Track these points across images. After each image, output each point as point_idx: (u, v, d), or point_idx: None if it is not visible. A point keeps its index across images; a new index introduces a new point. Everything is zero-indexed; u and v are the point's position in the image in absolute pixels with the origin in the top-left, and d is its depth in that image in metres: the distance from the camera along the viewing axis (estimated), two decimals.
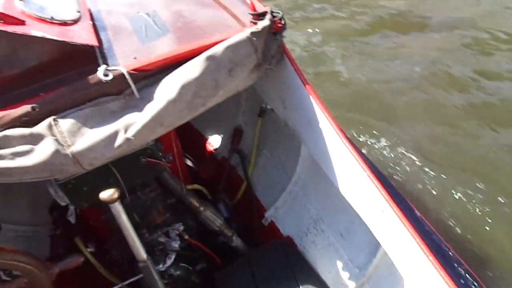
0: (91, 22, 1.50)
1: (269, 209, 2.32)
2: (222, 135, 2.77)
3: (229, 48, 1.42)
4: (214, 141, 2.82)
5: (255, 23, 1.49)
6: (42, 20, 1.36)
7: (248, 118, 2.55)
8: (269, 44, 1.50)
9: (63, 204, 1.71)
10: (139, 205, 1.85)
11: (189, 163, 2.53)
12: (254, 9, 1.52)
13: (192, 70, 1.38)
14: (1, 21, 1.24)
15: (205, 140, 2.85)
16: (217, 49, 1.41)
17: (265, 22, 1.46)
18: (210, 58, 1.40)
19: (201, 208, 2.11)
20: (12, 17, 1.27)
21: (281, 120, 2.13)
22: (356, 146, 1.55)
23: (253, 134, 2.45)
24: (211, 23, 1.58)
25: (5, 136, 1.25)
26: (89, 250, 2.10)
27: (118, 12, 1.71)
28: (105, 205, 1.52)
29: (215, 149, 2.77)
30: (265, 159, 2.44)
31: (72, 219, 1.81)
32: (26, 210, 2.24)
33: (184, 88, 1.37)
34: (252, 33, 1.43)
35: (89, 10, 1.62)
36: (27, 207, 2.21)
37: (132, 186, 1.79)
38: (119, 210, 1.47)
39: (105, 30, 1.56)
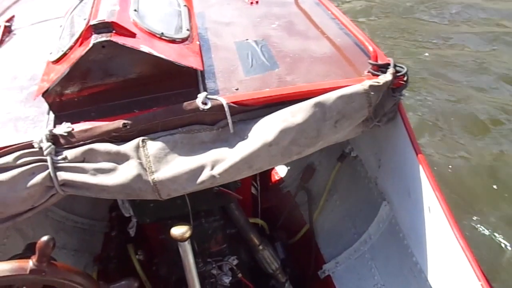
0: (199, 43, 1.41)
1: (328, 261, 2.12)
2: (291, 168, 2.62)
3: (342, 98, 1.26)
4: (281, 172, 2.68)
5: (375, 75, 1.33)
6: (152, 35, 1.29)
7: (324, 158, 2.38)
8: (385, 101, 1.33)
9: (126, 215, 1.65)
10: (200, 232, 1.75)
11: (253, 190, 2.40)
12: (376, 59, 1.36)
13: (296, 115, 1.25)
14: (113, 31, 1.18)
15: (272, 167, 2.72)
16: (328, 97, 1.26)
17: (387, 76, 1.30)
18: (318, 106, 1.25)
19: (260, 247, 1.97)
20: (125, 28, 1.20)
21: (363, 171, 1.93)
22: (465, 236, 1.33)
23: (326, 176, 2.27)
24: (324, 65, 1.43)
25: (92, 150, 1.18)
26: (138, 257, 2.05)
27: (225, 34, 1.62)
28: (168, 227, 1.44)
29: (281, 181, 2.62)
30: (335, 207, 2.25)
31: (132, 232, 1.74)
32: (86, 203, 2.23)
33: (283, 132, 1.23)
34: (371, 87, 1.27)
35: (197, 28, 1.55)
36: (88, 200, 2.19)
37: (198, 211, 1.70)
38: (186, 250, 1.37)
39: (210, 53, 1.48)
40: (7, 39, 1.85)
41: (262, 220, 2.24)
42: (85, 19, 1.34)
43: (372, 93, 1.26)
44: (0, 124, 1.29)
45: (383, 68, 1.34)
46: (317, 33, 1.66)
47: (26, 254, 1.18)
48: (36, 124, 1.26)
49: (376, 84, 1.27)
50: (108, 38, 1.16)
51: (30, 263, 1.06)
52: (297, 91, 1.28)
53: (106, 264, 2.08)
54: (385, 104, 1.34)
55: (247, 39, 1.57)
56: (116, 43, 1.16)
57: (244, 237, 1.96)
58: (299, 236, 2.29)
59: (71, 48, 1.28)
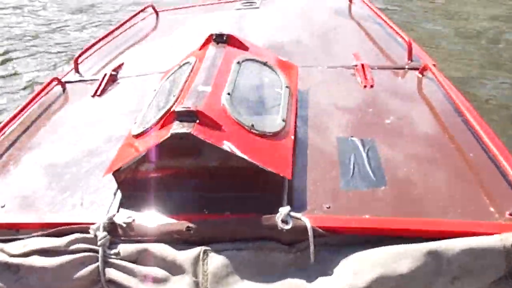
0: (293, 138, 1.20)
1: None
2: None
3: (468, 251, 0.93)
4: None
5: None
6: (241, 126, 1.12)
7: None
8: None
9: None
10: None
11: None
12: None
13: (399, 260, 0.95)
14: (197, 121, 1.03)
15: None
16: (448, 246, 0.94)
17: None
18: (432, 254, 0.94)
19: None
20: (210, 118, 1.05)
21: None
22: None
23: None
24: (447, 194, 1.10)
25: (147, 251, 1.02)
26: None
27: (327, 125, 1.38)
28: None
29: None
30: None
31: None
32: None
33: (378, 281, 0.94)
34: None
35: (296, 117, 1.34)
36: None
37: None
38: None
39: (306, 150, 1.25)
40: (110, 88, 1.86)
41: None
42: (174, 96, 1.23)
43: None
44: (68, 191, 1.22)
45: None
46: (445, 142, 1.32)
47: None
48: (101, 202, 1.16)
49: None
50: (188, 131, 1.01)
51: None
52: (405, 228, 0.99)
53: None
54: None
55: (352, 136, 1.31)
56: (196, 137, 1.01)
57: None
58: None
59: (153, 125, 1.17)
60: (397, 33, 1.93)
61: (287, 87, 1.39)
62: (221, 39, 1.45)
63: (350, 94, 1.58)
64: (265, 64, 1.45)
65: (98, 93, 1.81)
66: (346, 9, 2.51)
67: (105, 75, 1.90)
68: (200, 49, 1.51)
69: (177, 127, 1.03)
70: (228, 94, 1.20)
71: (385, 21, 2.10)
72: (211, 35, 1.47)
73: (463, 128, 1.36)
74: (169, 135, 1.02)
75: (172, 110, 1.08)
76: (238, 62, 1.36)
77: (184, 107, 1.05)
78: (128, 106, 1.66)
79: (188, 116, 1.04)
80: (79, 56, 2.16)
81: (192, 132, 1.01)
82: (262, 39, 2.12)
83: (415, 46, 1.83)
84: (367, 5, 2.37)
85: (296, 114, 1.38)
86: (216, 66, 1.31)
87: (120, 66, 2.04)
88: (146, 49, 2.28)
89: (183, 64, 1.47)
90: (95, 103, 1.77)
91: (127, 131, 1.28)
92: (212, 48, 1.43)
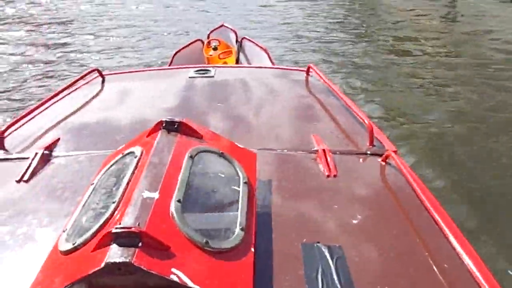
0: (253, 250, 1.04)
1: None
2: None
3: None
4: None
5: None
6: (193, 245, 0.94)
7: None
8: None
9: None
10: None
11: None
12: None
13: None
14: (139, 245, 0.84)
15: None
16: None
17: None
18: None
19: None
20: (157, 240, 0.86)
21: None
22: None
23: None
24: None
25: None
26: None
27: (291, 227, 1.23)
28: None
29: None
30: None
31: None
32: None
33: None
34: None
35: (256, 220, 1.17)
36: None
37: None
38: None
39: (267, 265, 1.08)
40: (40, 171, 1.61)
41: None
42: (114, 203, 1.03)
43: None
44: None
45: None
46: (412, 240, 1.23)
47: None
48: None
49: None
50: (127, 260, 0.81)
51: None
52: None
53: None
54: None
55: (318, 242, 1.17)
56: (137, 267, 0.81)
57: None
58: None
59: (86, 243, 0.95)
60: (357, 114, 1.88)
61: (245, 182, 1.24)
62: (172, 126, 1.29)
63: (313, 185, 1.47)
64: (221, 155, 1.30)
65: (26, 177, 1.55)
66: (303, 82, 2.47)
67: (36, 154, 1.66)
68: (148, 135, 1.34)
69: (114, 255, 0.83)
70: (179, 201, 1.02)
71: (343, 99, 2.07)
72: (161, 121, 1.30)
73: (428, 222, 1.30)
74: (103, 265, 0.81)
75: (108, 229, 0.88)
76: (191, 156, 1.20)
77: (124, 228, 0.86)
78: (60, 198, 1.42)
79: (128, 238, 0.85)
80: (7, 128, 1.89)
81: (133, 262, 0.81)
82: (217, 114, 2.00)
83: (375, 129, 1.79)
84: (324, 80, 2.35)
85: (256, 215, 1.22)
86: (165, 162, 1.14)
87: (56, 142, 1.80)
88: (89, 121, 2.05)
89: (127, 154, 1.28)
90: (20, 190, 1.51)
91: (57, 237, 1.05)
92: (161, 138, 1.26)
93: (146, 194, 1.01)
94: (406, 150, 4.38)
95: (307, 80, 2.49)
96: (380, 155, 1.65)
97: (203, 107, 2.07)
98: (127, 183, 1.09)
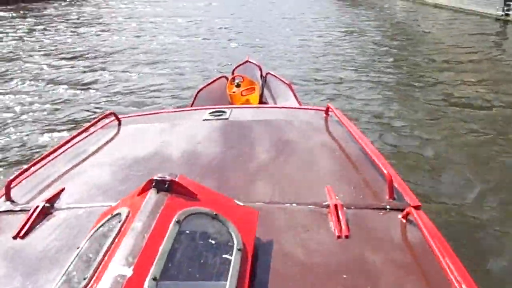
0: None
1: None
2: None
3: None
4: None
5: None
6: None
7: None
8: None
9: None
10: None
11: None
12: None
13: None
14: None
15: None
16: None
17: None
18: None
19: None
20: None
21: None
22: None
23: None
24: None
25: None
26: None
27: None
28: None
29: None
30: None
31: None
32: None
33: None
34: None
35: None
36: None
37: None
38: None
39: None
40: (38, 226, 1.55)
41: None
42: (85, 279, 0.93)
43: None
44: None
45: None
46: None
47: None
48: None
49: None
50: None
51: None
52: None
53: None
54: None
55: None
56: None
57: None
58: None
59: None
60: (376, 162, 1.72)
61: (239, 249, 1.11)
62: (162, 186, 1.19)
63: (321, 248, 1.31)
64: (215, 217, 1.18)
65: (22, 233, 1.49)
66: (321, 124, 2.34)
67: (37, 207, 1.60)
68: (139, 194, 1.25)
69: None
70: (154, 279, 0.90)
71: (361, 144, 1.91)
72: (151, 180, 1.21)
73: None
74: None
75: None
76: (178, 221, 1.09)
77: None
78: (51, 259, 1.34)
79: None
80: (15, 178, 1.86)
81: None
82: (224, 162, 1.89)
83: (397, 180, 1.62)
84: (342, 121, 2.21)
85: (251, 285, 1.08)
86: (147, 229, 1.04)
87: (60, 193, 1.74)
88: (95, 169, 1.99)
89: (114, 216, 1.19)
90: (14, 247, 1.45)
91: None
92: (150, 199, 1.16)
93: (119, 270, 0.90)
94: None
95: (325, 121, 2.36)
96: (401, 211, 1.47)
97: (212, 154, 1.98)
98: (105, 254, 0.99)
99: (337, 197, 1.54)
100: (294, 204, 1.54)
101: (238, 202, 1.33)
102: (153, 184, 1.20)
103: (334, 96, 7.25)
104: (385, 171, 1.61)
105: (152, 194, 1.18)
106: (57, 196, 1.72)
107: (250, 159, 1.91)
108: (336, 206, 1.47)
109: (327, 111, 2.41)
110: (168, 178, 1.20)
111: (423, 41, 12.33)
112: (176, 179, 1.21)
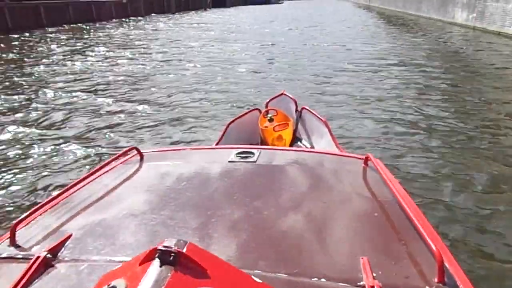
0: None
1: None
2: None
3: None
4: None
5: None
6: None
7: None
8: None
9: None
10: None
11: None
12: None
13: None
14: None
15: None
16: None
17: None
18: None
19: None
20: None
21: None
22: None
23: None
24: None
25: None
26: None
27: None
28: None
29: None
30: None
31: None
32: None
33: None
34: None
35: None
36: None
37: None
38: None
39: None
40: (37, 280, 1.39)
41: None
42: None
43: None
44: None
45: None
46: None
47: None
48: None
49: None
50: None
51: None
52: None
53: None
54: None
55: None
56: None
57: None
58: None
59: None
60: (422, 233, 1.46)
61: None
62: (167, 258, 1.01)
63: None
64: None
65: (19, 286, 1.34)
66: (359, 176, 2.09)
67: (38, 258, 1.45)
68: (141, 263, 1.06)
69: None
70: None
71: (403, 206, 1.65)
72: (155, 249, 1.03)
73: None
74: None
75: None
76: None
77: None
78: None
79: None
80: (23, 219, 1.73)
81: None
82: (246, 220, 1.68)
83: (447, 258, 1.36)
84: (383, 175, 1.96)
85: None
86: None
87: (65, 240, 1.59)
88: (106, 214, 1.83)
89: None
90: None
91: None
92: (150, 273, 0.98)
93: None
94: None
95: (364, 173, 2.11)
96: None
97: (234, 207, 1.78)
98: None
99: (374, 274, 1.30)
100: (323, 280, 1.31)
101: (256, 279, 1.12)
102: (157, 254, 1.01)
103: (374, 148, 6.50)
104: (433, 247, 1.35)
105: (154, 267, 0.99)
106: (61, 244, 1.57)
107: (273, 218, 1.69)
108: None
109: (366, 161, 2.18)
110: (174, 249, 1.01)
111: (486, 76, 11.31)
112: (184, 250, 1.02)
